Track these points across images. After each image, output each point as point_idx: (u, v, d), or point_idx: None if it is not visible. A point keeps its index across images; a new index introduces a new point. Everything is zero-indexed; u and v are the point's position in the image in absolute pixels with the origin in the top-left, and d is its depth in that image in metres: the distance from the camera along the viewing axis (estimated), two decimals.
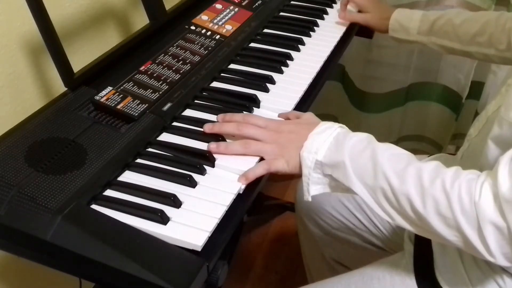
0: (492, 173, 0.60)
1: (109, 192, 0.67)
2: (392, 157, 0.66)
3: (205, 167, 0.71)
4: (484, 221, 0.58)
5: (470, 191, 0.59)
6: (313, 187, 0.71)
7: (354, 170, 0.66)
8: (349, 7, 1.15)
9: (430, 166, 0.63)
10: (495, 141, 0.70)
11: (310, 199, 0.72)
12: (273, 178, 1.75)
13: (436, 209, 0.61)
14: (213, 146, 0.73)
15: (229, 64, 0.95)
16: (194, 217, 0.63)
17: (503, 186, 0.57)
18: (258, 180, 0.71)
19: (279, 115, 0.81)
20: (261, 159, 0.73)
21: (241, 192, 0.68)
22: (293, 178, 1.77)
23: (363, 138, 0.69)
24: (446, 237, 0.62)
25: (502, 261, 0.61)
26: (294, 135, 0.72)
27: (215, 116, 0.80)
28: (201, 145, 0.75)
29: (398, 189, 0.63)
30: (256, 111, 0.83)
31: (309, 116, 0.77)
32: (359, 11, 1.15)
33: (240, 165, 0.71)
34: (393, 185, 0.63)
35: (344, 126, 0.73)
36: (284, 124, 0.75)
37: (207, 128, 0.75)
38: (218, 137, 0.75)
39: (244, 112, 0.81)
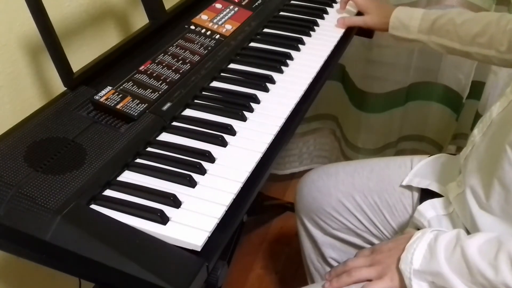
0: None
1: (108, 192, 0.67)
2: (482, 248, 0.67)
3: (205, 167, 0.71)
4: None
5: None
6: None
7: (453, 271, 0.68)
8: (348, 6, 1.14)
9: None
10: None
11: None
12: (273, 178, 1.75)
13: None
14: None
15: (229, 64, 0.95)
16: (194, 217, 0.63)
17: None
18: (257, 181, 0.71)
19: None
20: None
21: (240, 193, 0.68)
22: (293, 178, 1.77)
23: (452, 237, 0.71)
24: None
25: None
26: (394, 251, 0.75)
27: (215, 116, 0.81)
28: (201, 145, 0.75)
29: (495, 280, 0.65)
30: (256, 110, 0.83)
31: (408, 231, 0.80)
32: (359, 12, 1.15)
33: (240, 165, 0.71)
34: (489, 278, 0.65)
35: (437, 228, 0.75)
36: (384, 244, 0.78)
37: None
38: (221, 137, 0.75)
39: (244, 112, 0.81)
